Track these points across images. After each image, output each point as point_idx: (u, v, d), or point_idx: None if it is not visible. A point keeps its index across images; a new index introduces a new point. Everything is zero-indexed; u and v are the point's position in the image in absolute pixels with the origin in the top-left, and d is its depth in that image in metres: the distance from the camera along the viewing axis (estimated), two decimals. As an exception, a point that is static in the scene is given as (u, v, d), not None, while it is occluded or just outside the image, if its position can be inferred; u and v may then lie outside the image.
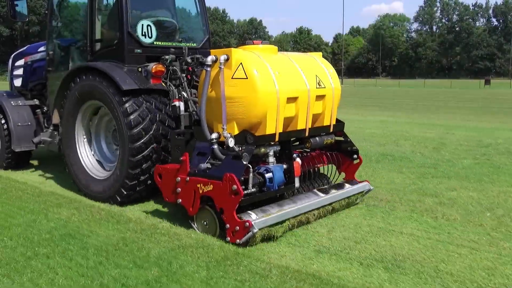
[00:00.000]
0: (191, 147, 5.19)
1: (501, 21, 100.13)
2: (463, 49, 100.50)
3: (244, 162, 4.46)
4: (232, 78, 4.62)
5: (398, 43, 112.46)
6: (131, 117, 5.44)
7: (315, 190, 5.41)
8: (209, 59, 4.72)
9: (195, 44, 6.73)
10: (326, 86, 5.34)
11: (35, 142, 7.47)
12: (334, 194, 5.40)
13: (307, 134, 5.23)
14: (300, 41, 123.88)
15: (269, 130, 4.68)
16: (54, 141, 7.02)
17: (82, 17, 6.83)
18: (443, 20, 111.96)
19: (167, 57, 6.07)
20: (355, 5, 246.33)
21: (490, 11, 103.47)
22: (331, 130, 5.62)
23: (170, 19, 6.67)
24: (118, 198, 5.71)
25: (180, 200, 4.84)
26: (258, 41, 5.08)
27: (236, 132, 4.69)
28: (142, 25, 6.02)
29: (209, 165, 4.72)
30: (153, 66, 5.69)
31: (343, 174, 6.09)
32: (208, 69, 4.72)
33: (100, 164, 6.30)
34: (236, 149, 4.59)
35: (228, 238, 4.41)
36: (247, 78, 4.54)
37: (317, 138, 5.41)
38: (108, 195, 5.80)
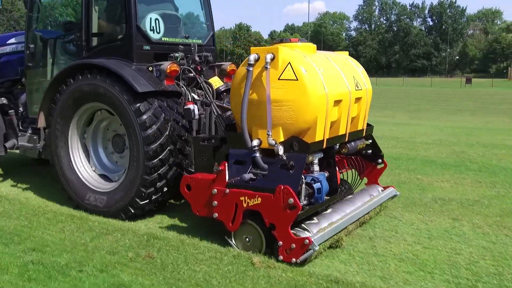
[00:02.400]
0: (222, 155, 4.82)
1: (436, 21, 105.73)
2: (401, 48, 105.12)
3: (299, 173, 4.17)
4: (279, 79, 4.30)
5: (339, 41, 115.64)
6: (144, 116, 4.98)
7: (350, 197, 5.25)
8: (252, 57, 4.36)
9: (200, 41, 6.32)
10: (362, 88, 5.16)
11: (7, 146, 6.73)
12: (371, 201, 5.25)
13: (347, 139, 5.02)
14: (240, 37, 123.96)
15: (318, 137, 4.41)
16: (35, 147, 6.33)
17: (73, 6, 6.21)
18: (381, 19, 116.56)
19: (176, 54, 5.66)
20: (280, 4, 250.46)
21: (426, 11, 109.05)
22: (364, 134, 5.46)
23: (175, 12, 6.21)
24: (132, 210, 5.22)
25: (217, 214, 4.46)
26: (295, 38, 4.79)
27: (282, 138, 4.37)
28: (151, 18, 5.54)
29: (252, 176, 4.38)
30: (168, 66, 5.24)
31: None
32: (251, 68, 4.36)
33: (103, 176, 5.75)
34: (284, 157, 4.28)
35: (281, 257, 4.10)
36: (297, 79, 4.24)
37: (352, 143, 5.22)
38: (116, 209, 5.28)
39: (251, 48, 4.55)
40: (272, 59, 4.31)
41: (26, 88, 6.56)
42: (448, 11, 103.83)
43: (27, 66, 6.42)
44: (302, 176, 4.27)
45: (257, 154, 4.38)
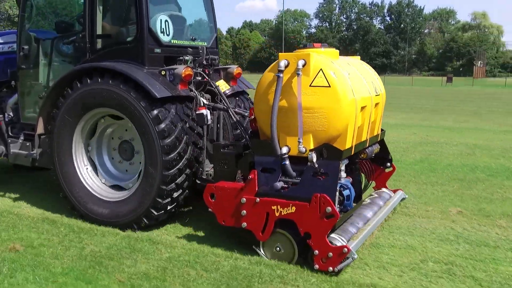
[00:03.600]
0: (245, 162, 4.77)
1: (395, 20, 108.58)
2: (361, 46, 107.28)
3: (334, 180, 4.18)
4: (310, 85, 4.29)
5: (300, 39, 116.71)
6: (162, 125, 4.85)
7: (368, 201, 5.32)
8: (282, 64, 4.33)
9: (205, 43, 6.21)
10: (379, 92, 5.23)
11: None
12: (388, 205, 5.34)
13: (368, 144, 5.08)
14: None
15: (348, 143, 4.43)
16: (30, 154, 6.05)
17: (75, 6, 5.96)
18: (342, 18, 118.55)
19: (186, 58, 5.54)
20: (232, 1, 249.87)
21: (385, 10, 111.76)
22: (379, 138, 5.54)
23: (180, 13, 6.08)
24: (145, 221, 5.09)
25: (246, 224, 4.41)
26: (318, 44, 4.79)
27: (312, 146, 4.36)
28: (161, 20, 5.40)
29: (283, 184, 4.36)
30: (183, 70, 5.12)
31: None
32: (281, 75, 4.32)
33: (114, 187, 5.57)
34: (316, 165, 4.27)
35: (317, 266, 4.11)
36: (329, 86, 4.24)
37: (370, 148, 5.27)
38: (129, 220, 5.13)
39: (279, 54, 4.51)
40: (303, 66, 4.30)
41: (18, 91, 6.24)
42: (406, 10, 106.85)
43: (19, 68, 6.13)
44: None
45: (287, 162, 4.37)
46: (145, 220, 5.07)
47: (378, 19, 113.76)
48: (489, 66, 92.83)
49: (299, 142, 4.32)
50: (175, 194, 5.05)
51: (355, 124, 4.49)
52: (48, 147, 5.68)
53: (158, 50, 5.33)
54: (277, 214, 4.25)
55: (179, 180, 5.00)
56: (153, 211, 5.02)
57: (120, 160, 5.62)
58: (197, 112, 5.36)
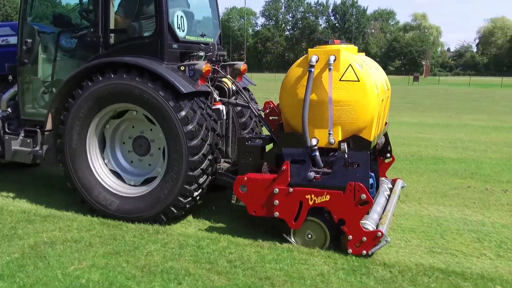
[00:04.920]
0: (272, 154, 5.00)
1: (339, 20, 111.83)
2: (308, 45, 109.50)
3: (366, 169, 4.49)
4: (340, 80, 4.58)
5: (247, 37, 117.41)
6: (190, 126, 4.97)
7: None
8: (314, 59, 4.59)
9: (212, 39, 6.36)
10: (388, 87, 5.61)
11: None
12: (395, 193, 5.73)
13: (381, 136, 5.44)
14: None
15: (373, 135, 4.76)
16: (34, 151, 5.94)
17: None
18: (287, 16, 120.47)
19: (201, 53, 5.69)
20: None
21: (330, 10, 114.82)
22: (385, 131, 5.92)
23: (190, 10, 6.18)
24: (164, 218, 5.19)
25: (278, 213, 4.64)
26: (337, 40, 5.09)
27: (340, 137, 4.65)
28: (177, 16, 5.51)
29: (314, 174, 4.62)
30: (204, 66, 5.26)
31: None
32: (312, 70, 4.58)
33: (114, 173, 5.63)
34: (346, 155, 4.57)
35: (350, 250, 4.40)
36: (358, 80, 4.55)
37: (379, 140, 5.64)
38: (149, 215, 5.21)
39: (309, 49, 4.76)
40: (334, 61, 4.58)
41: (18, 86, 6.10)
42: (350, 10, 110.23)
43: (21, 63, 6.00)
44: (364, 172, 4.60)
45: (317, 153, 4.64)
46: (162, 216, 5.17)
47: (324, 18, 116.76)
48: (430, 65, 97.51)
49: (329, 134, 4.60)
50: (196, 194, 5.20)
51: (378, 117, 4.83)
52: (58, 143, 5.61)
53: (175, 46, 5.43)
54: (310, 203, 4.50)
55: (201, 180, 5.15)
56: (173, 209, 5.12)
57: (130, 150, 5.64)
58: (213, 108, 5.52)
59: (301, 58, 4.84)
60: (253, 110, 5.57)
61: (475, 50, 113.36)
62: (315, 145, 4.63)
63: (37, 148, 5.97)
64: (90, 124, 5.43)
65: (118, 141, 5.68)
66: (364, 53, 6.05)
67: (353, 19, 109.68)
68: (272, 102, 5.74)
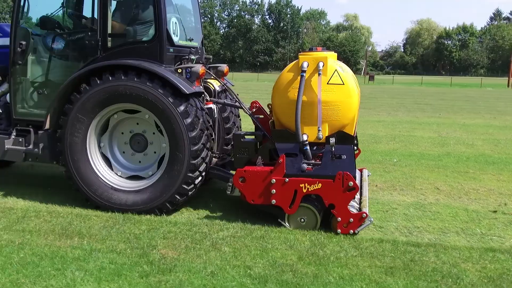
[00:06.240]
0: (266, 149, 5.67)
1: (274, 19, 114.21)
2: (244, 44, 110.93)
3: (352, 160, 5.28)
4: (327, 83, 5.33)
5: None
6: (189, 119, 5.51)
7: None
8: (305, 65, 5.30)
9: (196, 44, 6.90)
10: (359, 89, 6.44)
11: None
12: (365, 181, 6.56)
13: (355, 131, 6.26)
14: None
15: (353, 130, 5.56)
16: (29, 150, 6.18)
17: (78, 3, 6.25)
18: (223, 14, 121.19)
19: (192, 57, 6.22)
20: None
21: (265, 9, 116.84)
22: (356, 127, 6.76)
23: (179, 15, 6.69)
24: (170, 206, 5.70)
25: (275, 201, 5.29)
26: (320, 48, 5.83)
27: (327, 133, 5.41)
28: (172, 21, 6.03)
29: (306, 166, 5.34)
30: (200, 69, 5.82)
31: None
32: (304, 74, 5.30)
33: (132, 177, 6.03)
34: (333, 149, 5.33)
35: (339, 230, 5.16)
36: (343, 84, 5.33)
37: (353, 135, 6.46)
38: (153, 206, 5.69)
39: (299, 55, 5.47)
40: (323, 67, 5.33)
41: (11, 87, 6.32)
42: (285, 10, 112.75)
43: (14, 64, 6.22)
44: (348, 163, 5.39)
45: (308, 147, 5.37)
46: (168, 205, 5.67)
47: (259, 17, 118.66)
48: (362, 65, 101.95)
49: (318, 130, 5.35)
50: (197, 181, 5.74)
51: (357, 115, 5.64)
52: (57, 142, 5.93)
53: (171, 50, 5.94)
54: (304, 191, 5.21)
55: (201, 168, 5.70)
56: (177, 197, 5.64)
57: (133, 153, 6.08)
58: (206, 107, 6.09)
59: (292, 64, 5.54)
60: (245, 110, 6.19)
61: (402, 50, 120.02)
62: (306, 140, 5.35)
63: (31, 146, 6.23)
64: (90, 124, 5.79)
65: (118, 130, 6.04)
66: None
67: (287, 18, 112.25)
68: (258, 102, 6.42)
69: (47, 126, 6.04)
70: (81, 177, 5.87)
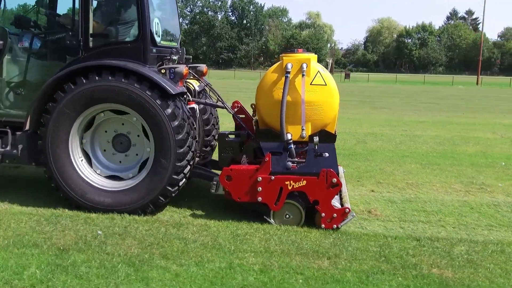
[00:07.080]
0: (250, 148, 5.83)
1: (238, 16, 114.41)
2: (208, 40, 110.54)
3: (334, 158, 5.51)
4: (311, 84, 5.54)
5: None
6: (176, 122, 5.60)
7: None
8: (289, 66, 5.49)
9: (176, 44, 6.98)
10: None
11: None
12: (342, 177, 6.82)
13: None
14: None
15: (335, 129, 5.80)
16: (7, 151, 6.11)
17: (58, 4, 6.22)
18: (185, 11, 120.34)
19: (174, 57, 6.31)
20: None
21: (228, 6, 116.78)
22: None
23: (159, 16, 6.75)
24: (153, 207, 5.77)
25: (261, 198, 5.46)
26: (300, 49, 6.03)
27: (310, 132, 5.63)
28: (155, 22, 6.09)
29: (291, 164, 5.53)
30: (184, 69, 5.92)
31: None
32: (289, 75, 5.48)
33: (111, 177, 6.06)
34: (316, 147, 5.55)
35: (323, 225, 5.37)
36: (325, 84, 5.55)
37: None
38: (136, 206, 5.75)
39: (283, 57, 5.65)
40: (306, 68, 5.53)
41: (-13, 86, 6.24)
42: (248, 7, 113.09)
43: (-9, 63, 6.15)
44: (330, 160, 5.62)
45: (292, 146, 5.56)
46: (151, 206, 5.73)
47: (222, 13, 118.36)
48: (325, 62, 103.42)
49: (302, 129, 5.56)
50: (181, 183, 5.84)
51: (337, 114, 5.88)
52: (38, 141, 5.89)
53: (154, 50, 6.01)
54: (289, 188, 5.40)
55: (186, 171, 5.80)
56: (161, 198, 5.72)
57: (114, 153, 6.11)
58: (189, 107, 6.19)
59: (276, 65, 5.72)
60: (228, 109, 6.33)
61: (363, 48, 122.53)
62: (290, 139, 5.55)
63: (8, 148, 6.15)
64: (73, 124, 5.79)
65: (102, 128, 6.04)
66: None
67: (251, 15, 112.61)
68: (239, 102, 6.58)
69: (26, 127, 5.99)
70: (61, 174, 5.84)
